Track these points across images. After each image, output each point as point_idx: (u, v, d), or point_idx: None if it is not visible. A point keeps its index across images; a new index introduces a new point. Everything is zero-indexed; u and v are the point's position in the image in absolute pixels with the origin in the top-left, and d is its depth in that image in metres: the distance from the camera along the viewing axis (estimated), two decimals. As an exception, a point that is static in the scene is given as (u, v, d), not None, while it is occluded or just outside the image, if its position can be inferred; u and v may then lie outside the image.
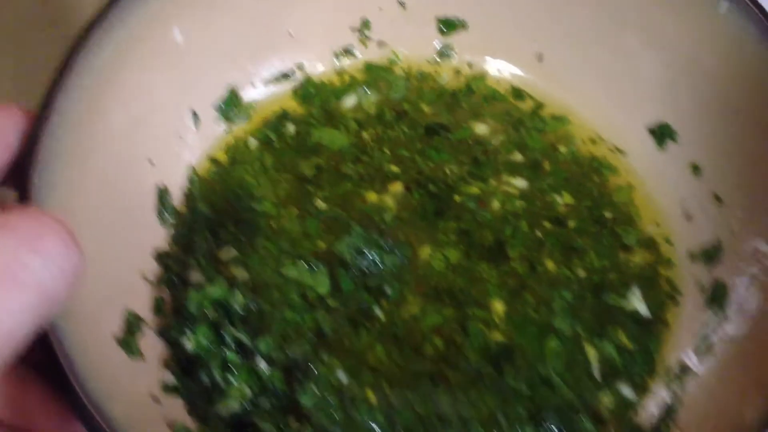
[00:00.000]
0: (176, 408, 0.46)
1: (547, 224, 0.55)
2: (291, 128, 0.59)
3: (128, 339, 0.45)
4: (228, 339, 0.49)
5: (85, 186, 0.44)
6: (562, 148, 0.59)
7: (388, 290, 0.52)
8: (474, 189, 0.56)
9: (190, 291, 0.49)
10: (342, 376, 0.49)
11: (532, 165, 0.58)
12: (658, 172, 0.57)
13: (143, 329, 0.47)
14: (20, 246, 0.30)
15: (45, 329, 0.34)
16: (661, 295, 0.53)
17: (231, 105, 0.58)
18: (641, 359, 0.50)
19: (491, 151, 0.58)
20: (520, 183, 0.57)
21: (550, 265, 0.53)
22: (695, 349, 0.50)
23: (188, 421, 0.46)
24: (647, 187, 0.58)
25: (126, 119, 0.49)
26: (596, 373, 0.50)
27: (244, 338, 0.49)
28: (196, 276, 0.51)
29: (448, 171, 0.57)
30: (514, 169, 0.58)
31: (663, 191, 0.57)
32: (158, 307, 0.49)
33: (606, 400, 0.49)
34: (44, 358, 0.35)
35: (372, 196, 0.56)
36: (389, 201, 0.56)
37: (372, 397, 0.48)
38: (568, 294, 0.52)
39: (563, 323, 0.51)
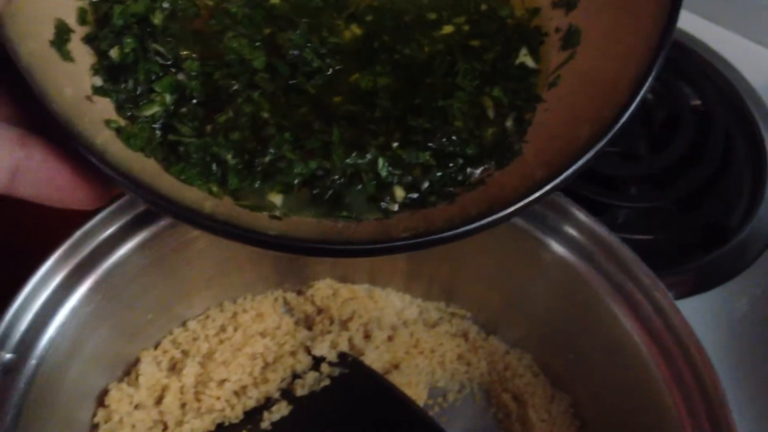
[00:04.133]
0: (108, 109, 0.52)
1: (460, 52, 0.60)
2: None
3: (60, 44, 0.51)
4: (151, 52, 0.55)
5: None
6: None
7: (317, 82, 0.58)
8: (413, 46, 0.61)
9: (114, 6, 0.55)
10: (264, 114, 0.55)
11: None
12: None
13: (72, 38, 0.52)
14: None
15: None
16: (536, 44, 0.60)
17: None
18: (524, 98, 0.58)
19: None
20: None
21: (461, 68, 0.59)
22: (549, 84, 0.58)
23: (120, 120, 0.52)
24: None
25: None
26: (490, 113, 0.57)
27: (165, 52, 0.55)
28: None
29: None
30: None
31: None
32: (82, 18, 0.54)
33: (490, 132, 0.56)
34: None
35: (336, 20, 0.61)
36: (344, 27, 0.60)
37: (288, 138, 0.54)
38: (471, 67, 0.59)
39: (465, 81, 0.58)
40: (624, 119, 0.49)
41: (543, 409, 0.79)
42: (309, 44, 0.58)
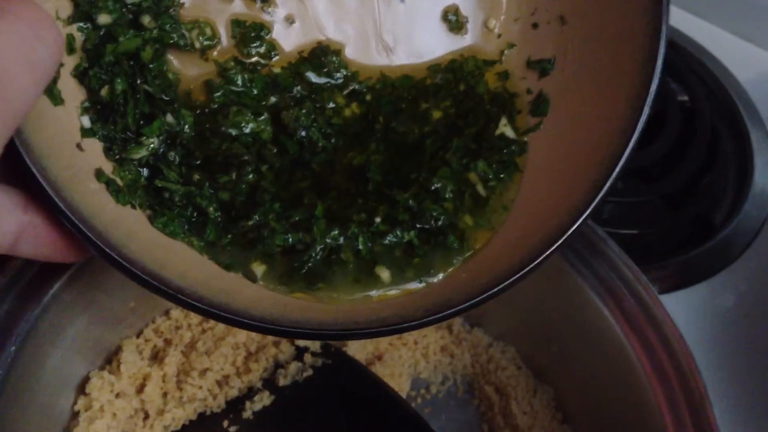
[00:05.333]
0: (97, 155, 0.52)
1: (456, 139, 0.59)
2: None
3: (51, 84, 0.48)
4: (141, 93, 0.53)
5: None
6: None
7: (320, 159, 0.58)
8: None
9: (107, 45, 0.52)
10: (264, 183, 0.55)
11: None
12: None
13: (61, 73, 0.50)
14: (30, 34, 0.39)
15: None
16: (514, 112, 0.60)
17: None
18: (508, 170, 0.58)
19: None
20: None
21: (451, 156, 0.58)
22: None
23: (106, 165, 0.51)
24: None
25: None
26: (481, 190, 0.57)
27: (154, 92, 0.54)
28: (104, 18, 0.53)
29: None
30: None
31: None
32: (70, 45, 0.51)
33: (468, 220, 0.56)
34: None
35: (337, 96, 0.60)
36: (345, 105, 0.60)
37: (277, 208, 0.54)
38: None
39: (454, 157, 0.57)
40: (582, 219, 0.51)
41: (525, 402, 0.79)
42: (315, 124, 0.57)
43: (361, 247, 0.54)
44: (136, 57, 0.53)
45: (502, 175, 0.57)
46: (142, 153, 0.53)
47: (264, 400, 0.76)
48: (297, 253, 0.54)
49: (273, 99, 0.58)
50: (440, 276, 0.55)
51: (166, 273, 0.47)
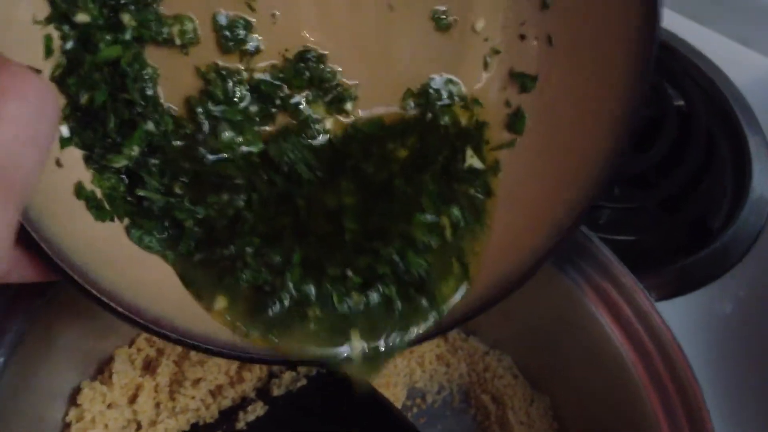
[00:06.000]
0: (75, 165, 0.51)
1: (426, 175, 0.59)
2: None
3: None
4: (120, 102, 0.52)
5: None
6: None
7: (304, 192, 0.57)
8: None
9: (86, 56, 0.51)
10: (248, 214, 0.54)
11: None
12: None
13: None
14: (35, 113, 0.38)
15: None
16: (479, 143, 0.60)
17: None
18: (480, 220, 0.58)
19: None
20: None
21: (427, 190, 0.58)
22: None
23: (85, 175, 0.51)
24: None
25: None
26: (448, 234, 0.57)
27: (135, 99, 0.52)
28: (82, 16, 0.51)
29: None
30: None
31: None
32: (48, 47, 0.50)
33: (449, 287, 0.56)
34: None
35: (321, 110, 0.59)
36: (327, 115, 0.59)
37: (256, 243, 0.54)
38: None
39: (427, 201, 0.57)
40: (541, 262, 0.53)
41: (522, 411, 0.79)
42: (300, 155, 0.57)
43: (336, 304, 0.54)
44: (116, 64, 0.52)
45: (473, 227, 0.58)
46: (123, 162, 0.52)
47: (257, 410, 0.76)
48: (262, 295, 0.53)
49: (255, 110, 0.57)
50: (414, 334, 0.56)
51: (142, 301, 0.48)
